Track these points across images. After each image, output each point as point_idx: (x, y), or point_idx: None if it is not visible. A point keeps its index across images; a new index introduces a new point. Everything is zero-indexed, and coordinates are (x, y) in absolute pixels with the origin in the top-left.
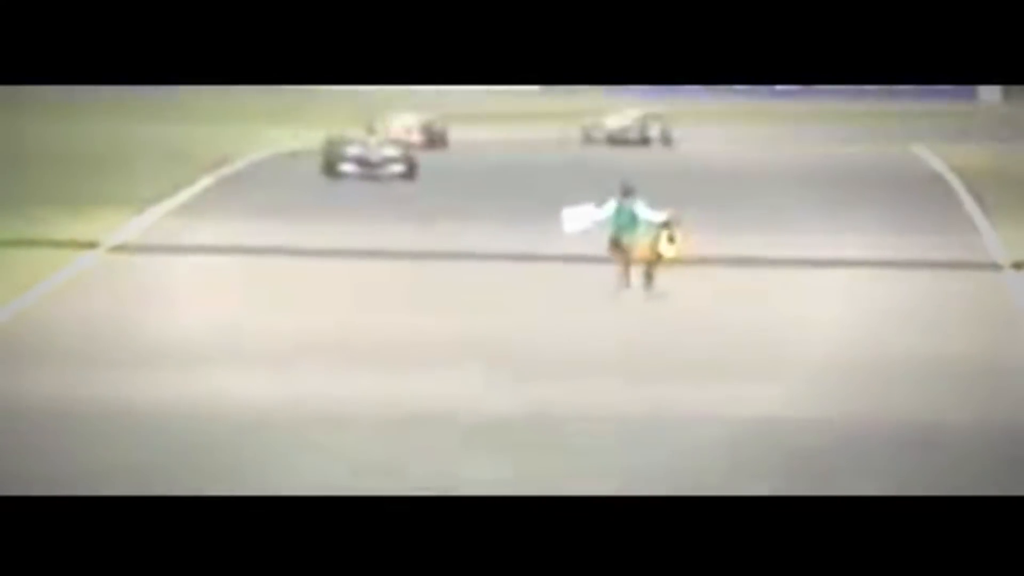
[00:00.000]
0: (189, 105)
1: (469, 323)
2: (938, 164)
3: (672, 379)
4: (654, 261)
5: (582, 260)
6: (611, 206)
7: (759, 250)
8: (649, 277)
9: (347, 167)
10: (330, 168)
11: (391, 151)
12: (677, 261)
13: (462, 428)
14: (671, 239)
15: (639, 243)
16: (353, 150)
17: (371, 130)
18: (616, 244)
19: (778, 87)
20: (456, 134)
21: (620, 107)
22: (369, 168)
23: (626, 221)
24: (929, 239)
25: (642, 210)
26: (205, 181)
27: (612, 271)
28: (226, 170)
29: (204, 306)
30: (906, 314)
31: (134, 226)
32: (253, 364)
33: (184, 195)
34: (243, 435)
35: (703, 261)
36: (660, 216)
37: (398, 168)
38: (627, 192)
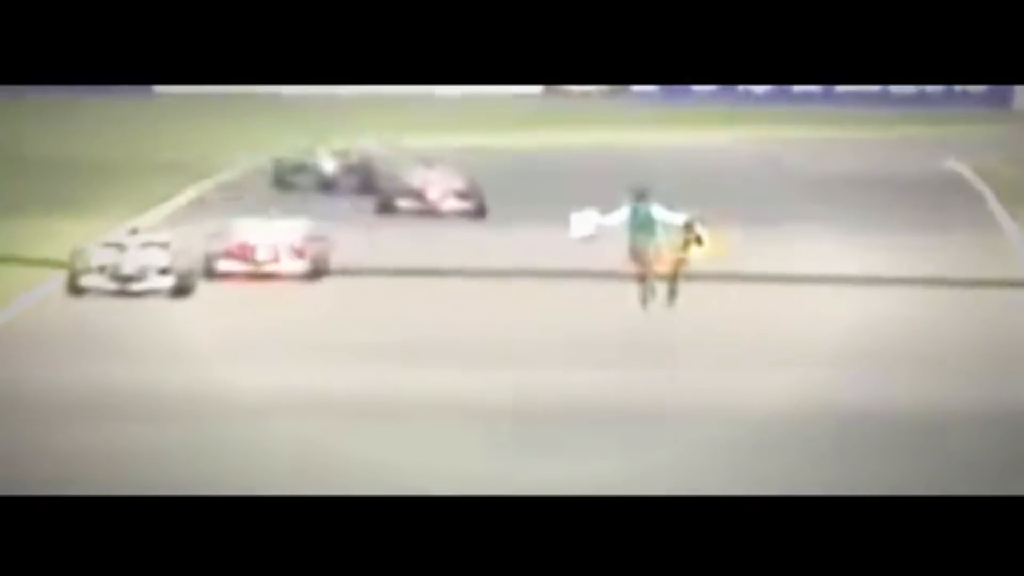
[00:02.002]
0: (172, 111)
1: (473, 320)
2: (970, 174)
3: (687, 375)
4: (681, 268)
5: (591, 273)
6: (624, 211)
7: (781, 259)
8: (673, 288)
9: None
10: (73, 283)
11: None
12: (711, 262)
13: (466, 424)
14: (699, 240)
15: (663, 249)
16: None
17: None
18: (637, 252)
19: (797, 90)
20: (452, 140)
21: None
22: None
23: (644, 225)
24: (959, 250)
25: (659, 212)
26: (190, 192)
27: (628, 282)
28: (213, 179)
29: (215, 315)
30: (931, 330)
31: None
32: (246, 368)
33: (167, 207)
34: (239, 436)
35: (721, 276)
36: (680, 217)
37: (163, 282)
38: (640, 195)
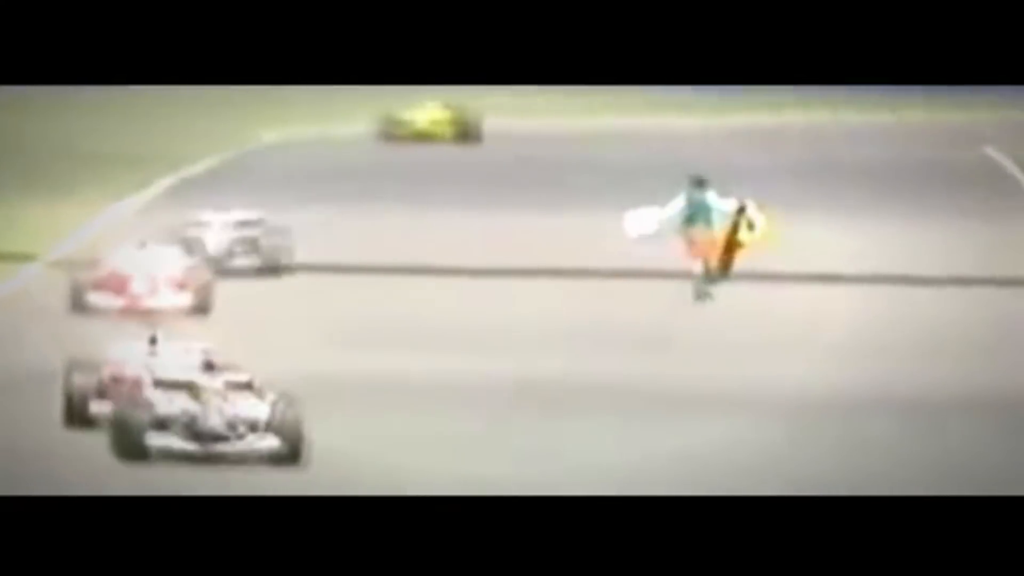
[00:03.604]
0: (135, 103)
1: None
2: (1007, 161)
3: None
4: (732, 252)
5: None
6: (680, 200)
7: (804, 251)
8: (725, 268)
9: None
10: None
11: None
12: (760, 247)
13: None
14: (750, 225)
15: (715, 233)
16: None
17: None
18: (692, 241)
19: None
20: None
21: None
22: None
23: (698, 212)
24: (994, 240)
25: (715, 200)
26: (158, 185)
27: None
28: (182, 173)
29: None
30: (968, 322)
31: (77, 236)
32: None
33: (134, 201)
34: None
35: (767, 276)
36: (733, 204)
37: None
38: (699, 183)
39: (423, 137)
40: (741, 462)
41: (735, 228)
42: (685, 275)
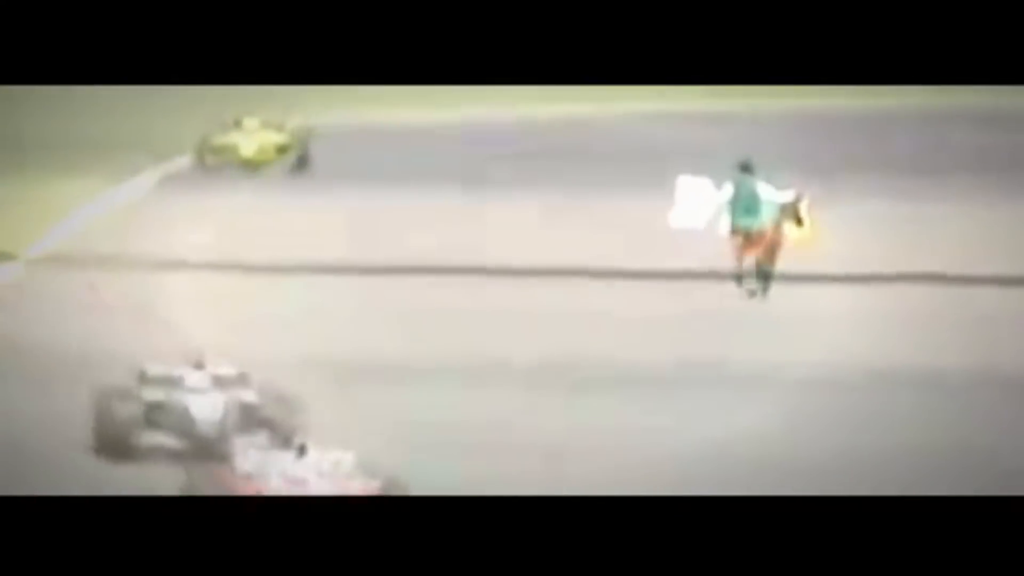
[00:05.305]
0: (114, 96)
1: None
2: None
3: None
4: (776, 248)
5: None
6: (728, 188)
7: (858, 247)
8: (767, 271)
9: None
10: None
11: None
12: (806, 245)
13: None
14: (799, 220)
15: (766, 228)
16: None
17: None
18: (738, 231)
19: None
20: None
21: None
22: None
23: (748, 203)
24: None
25: (764, 190)
26: (144, 179)
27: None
28: (168, 167)
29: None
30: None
31: (57, 233)
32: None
33: (118, 196)
34: None
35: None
36: (785, 195)
37: None
38: (746, 168)
39: (249, 166)
40: (779, 446)
41: (780, 221)
42: (720, 273)
